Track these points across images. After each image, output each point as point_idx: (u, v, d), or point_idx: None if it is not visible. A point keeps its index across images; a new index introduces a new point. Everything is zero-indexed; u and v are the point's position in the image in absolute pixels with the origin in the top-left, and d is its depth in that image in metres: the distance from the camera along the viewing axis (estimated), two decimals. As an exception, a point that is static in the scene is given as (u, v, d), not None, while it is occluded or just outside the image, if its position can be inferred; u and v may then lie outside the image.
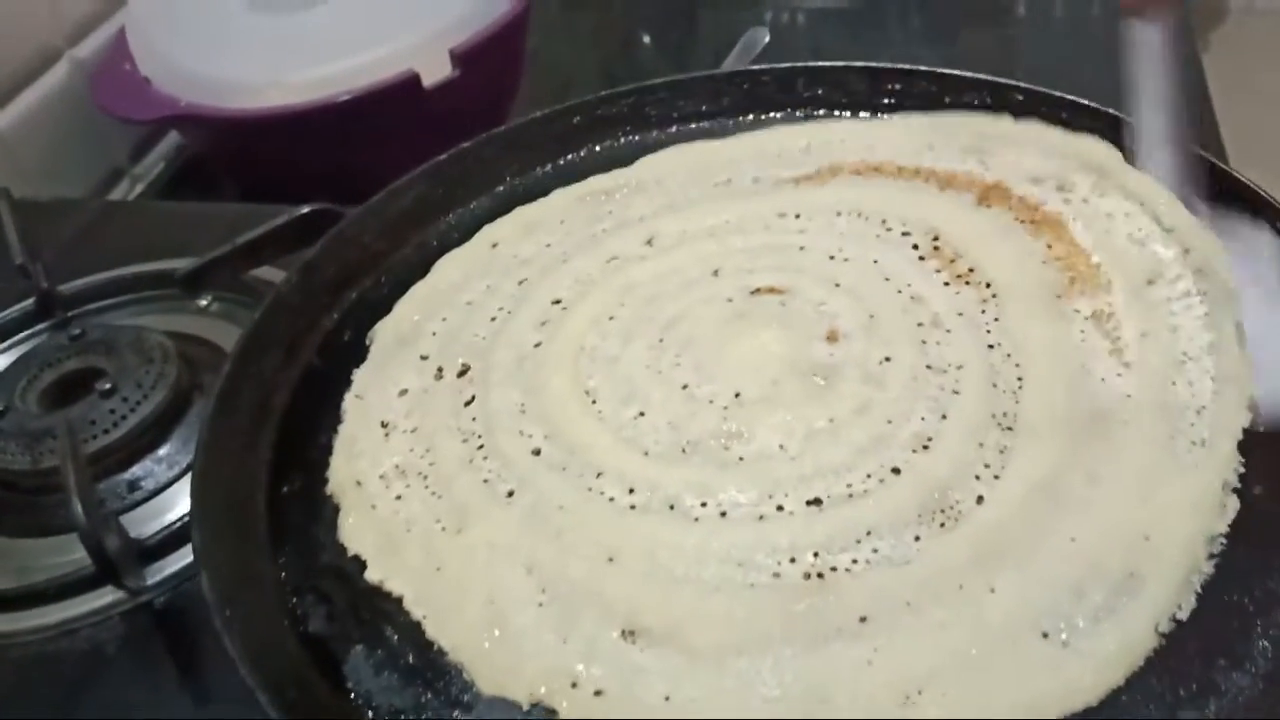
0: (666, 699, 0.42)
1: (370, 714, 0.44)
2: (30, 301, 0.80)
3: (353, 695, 0.44)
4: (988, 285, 0.55)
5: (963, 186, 0.61)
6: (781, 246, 0.60)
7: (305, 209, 0.70)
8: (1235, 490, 0.46)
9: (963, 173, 0.62)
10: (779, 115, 0.72)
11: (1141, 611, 0.42)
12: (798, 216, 0.62)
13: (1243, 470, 0.46)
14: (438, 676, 0.44)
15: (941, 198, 0.60)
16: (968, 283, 0.56)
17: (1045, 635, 0.42)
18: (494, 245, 0.65)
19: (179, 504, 0.64)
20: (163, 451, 0.67)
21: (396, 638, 0.46)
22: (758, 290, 0.57)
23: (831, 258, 0.59)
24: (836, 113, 0.71)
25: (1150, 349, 0.51)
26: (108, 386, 0.68)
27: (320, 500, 0.52)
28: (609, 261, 0.62)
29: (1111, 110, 0.63)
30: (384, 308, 0.63)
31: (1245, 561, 0.44)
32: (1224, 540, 0.44)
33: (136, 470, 0.66)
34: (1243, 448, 0.47)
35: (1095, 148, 0.60)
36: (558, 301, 0.60)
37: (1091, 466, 0.47)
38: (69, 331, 0.74)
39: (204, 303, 0.79)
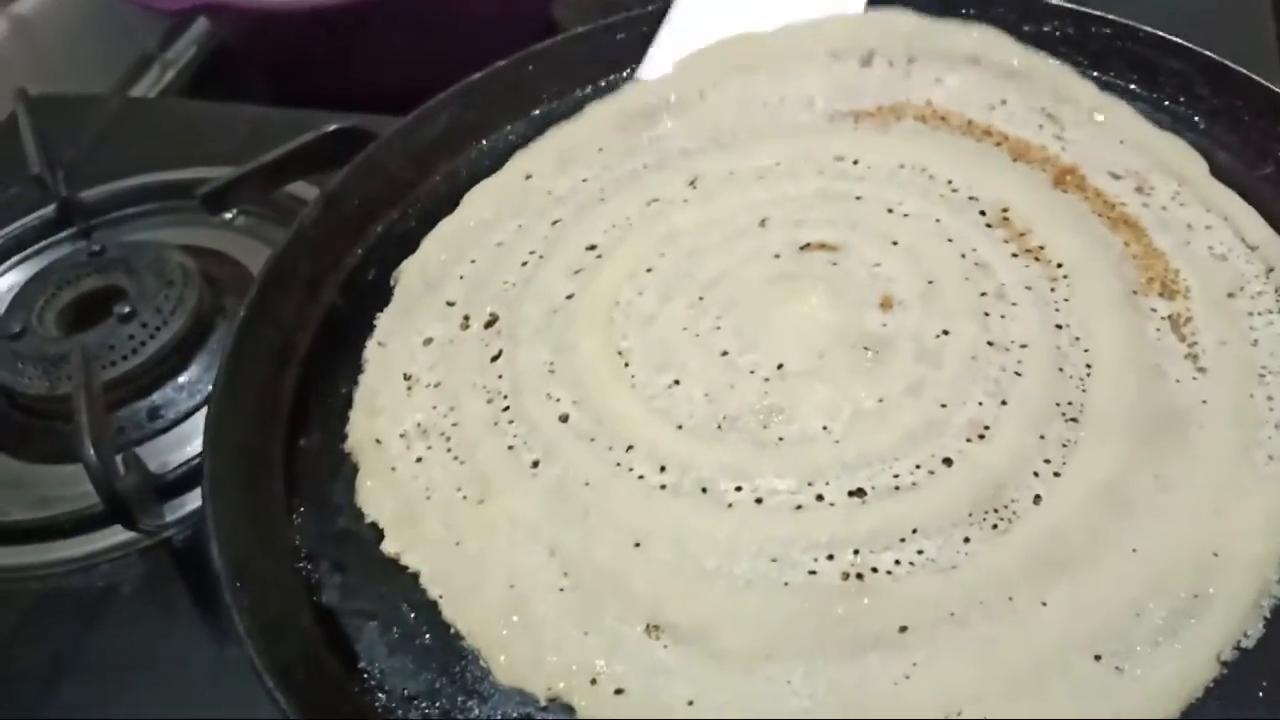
0: (690, 703, 0.40)
1: (382, 697, 0.42)
2: (50, 209, 0.78)
3: (365, 676, 0.43)
4: (1059, 265, 0.51)
5: (1037, 162, 0.56)
6: (836, 195, 0.56)
7: (332, 127, 0.67)
8: (1314, 508, 0.42)
9: (1037, 145, 0.57)
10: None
11: (1204, 637, 0.39)
12: (855, 163, 0.58)
13: (1323, 487, 0.43)
14: (454, 661, 0.42)
15: (1014, 170, 0.56)
16: (1037, 259, 0.51)
17: (1098, 658, 0.39)
18: (527, 177, 0.61)
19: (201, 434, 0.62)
20: (184, 379, 0.65)
21: (413, 616, 0.44)
22: (807, 245, 0.54)
23: (890, 211, 0.55)
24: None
25: (1228, 358, 0.47)
26: (127, 310, 0.66)
27: (338, 458, 0.50)
28: (649, 204, 0.57)
29: (1204, 51, 0.58)
30: (411, 243, 0.59)
31: (1322, 586, 0.40)
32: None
33: (156, 398, 0.65)
34: (1323, 464, 0.43)
35: (1180, 152, 0.56)
36: (593, 248, 0.56)
37: (1161, 470, 0.43)
38: (88, 247, 0.72)
39: (229, 216, 0.76)
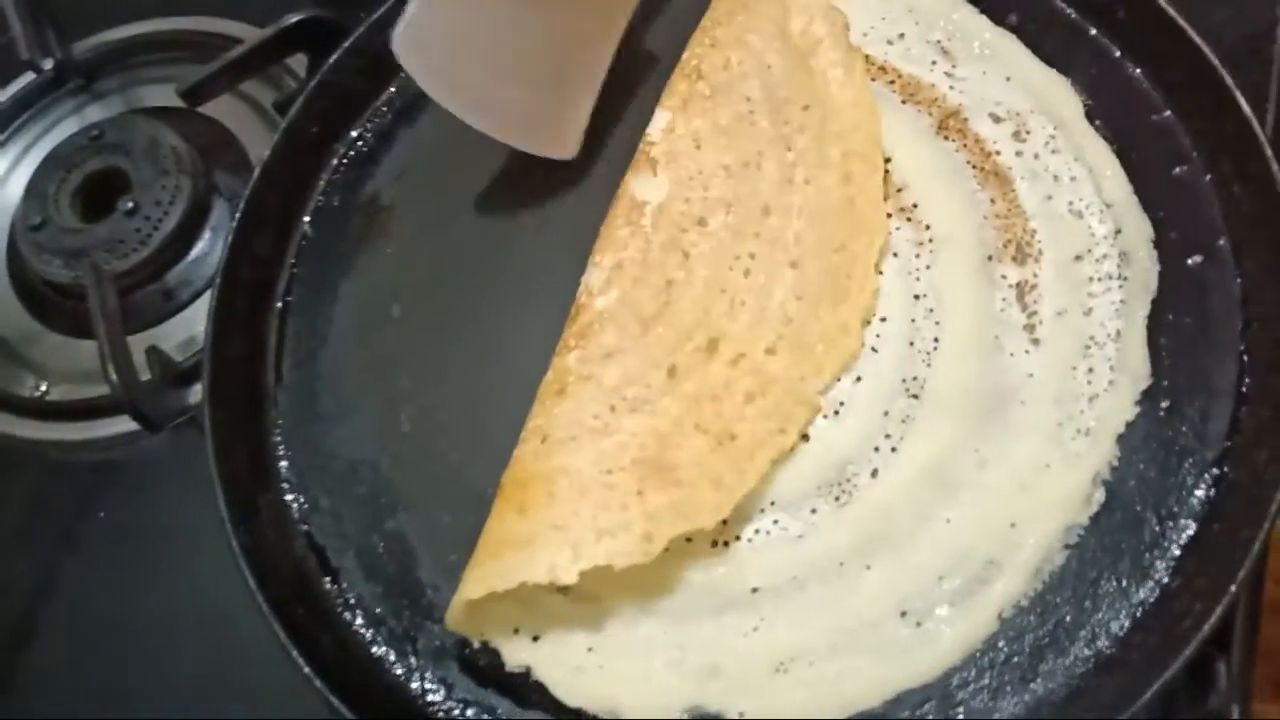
0: (589, 650, 0.51)
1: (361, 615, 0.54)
2: (46, 68, 0.82)
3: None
4: (928, 227, 0.56)
5: (925, 103, 0.59)
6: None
7: (292, 19, 0.71)
8: (1104, 482, 0.51)
9: (928, 84, 0.59)
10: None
11: (991, 598, 0.49)
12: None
13: (1116, 464, 0.51)
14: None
15: (902, 113, 0.59)
16: (909, 218, 0.56)
17: (904, 615, 0.50)
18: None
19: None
20: (193, 254, 0.74)
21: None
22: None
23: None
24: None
25: (1062, 330, 0.53)
26: (130, 206, 0.73)
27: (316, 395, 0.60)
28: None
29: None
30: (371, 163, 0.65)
31: (1095, 553, 0.50)
32: (1082, 531, 0.50)
33: (169, 279, 0.74)
34: (1121, 441, 0.51)
35: (1060, 93, 0.58)
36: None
37: (983, 448, 0.52)
38: (89, 131, 0.77)
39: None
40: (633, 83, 0.64)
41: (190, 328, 0.72)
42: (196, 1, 0.85)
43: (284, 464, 0.58)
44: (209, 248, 0.74)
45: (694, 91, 0.59)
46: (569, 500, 0.49)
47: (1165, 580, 0.49)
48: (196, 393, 0.68)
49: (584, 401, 0.52)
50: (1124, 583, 0.49)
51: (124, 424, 0.68)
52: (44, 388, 0.72)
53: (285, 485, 0.58)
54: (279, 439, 0.59)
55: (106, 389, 0.64)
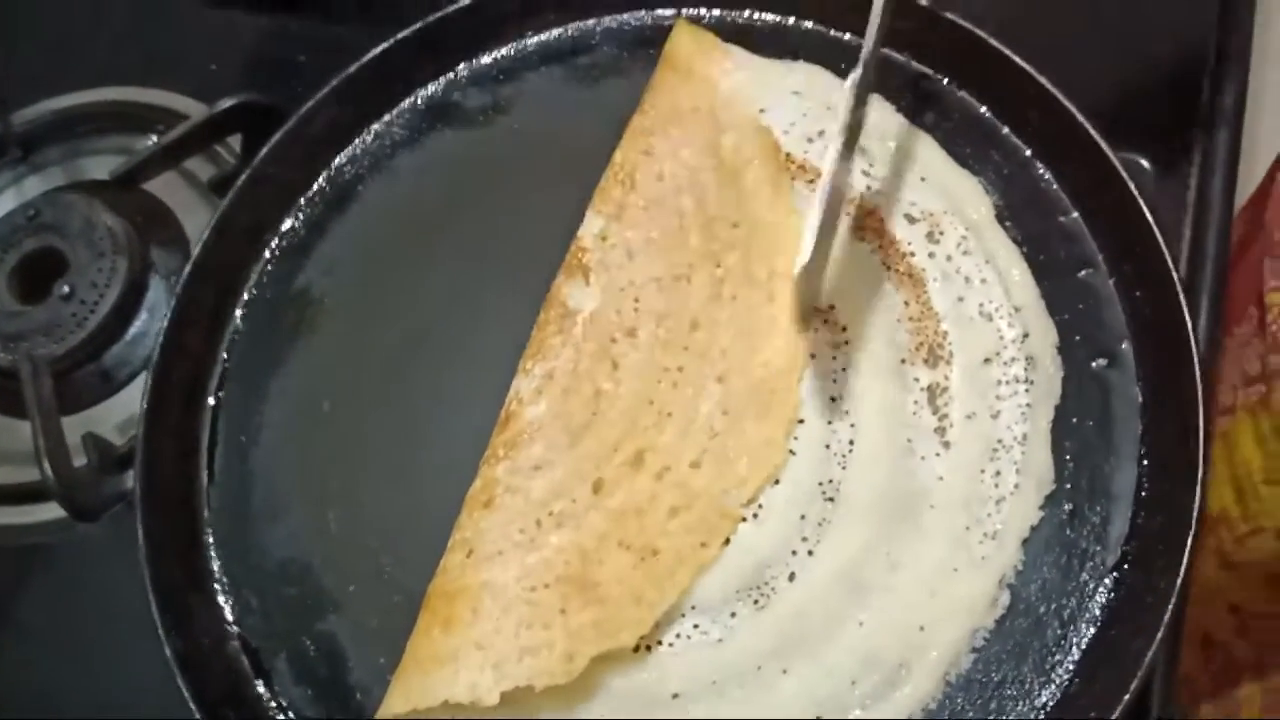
0: (512, 754, 0.52)
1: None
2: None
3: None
4: (844, 329, 0.58)
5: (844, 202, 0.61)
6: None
7: (228, 102, 0.72)
8: (1009, 585, 0.53)
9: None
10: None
11: (901, 701, 0.51)
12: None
13: (1021, 568, 0.53)
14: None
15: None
16: (826, 320, 0.58)
17: (818, 720, 0.51)
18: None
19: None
20: (130, 333, 0.74)
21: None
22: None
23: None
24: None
25: (971, 433, 0.55)
26: (66, 290, 0.73)
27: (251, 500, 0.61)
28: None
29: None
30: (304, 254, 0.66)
31: (1000, 656, 0.52)
32: (987, 634, 0.52)
33: (106, 360, 0.73)
34: (1026, 544, 0.53)
35: (973, 193, 0.60)
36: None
37: (895, 552, 0.53)
38: (25, 210, 0.77)
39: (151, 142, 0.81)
40: (555, 174, 0.65)
41: (128, 408, 0.72)
42: (131, 72, 0.85)
43: (216, 564, 0.59)
44: (145, 327, 0.74)
45: (628, 201, 0.61)
46: (492, 618, 0.50)
47: (1067, 683, 0.51)
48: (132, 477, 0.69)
49: (511, 515, 0.53)
50: (1027, 685, 0.51)
51: (59, 509, 0.68)
52: (-24, 469, 0.73)
53: (217, 586, 0.58)
54: (210, 539, 0.60)
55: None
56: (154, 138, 0.82)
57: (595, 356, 0.58)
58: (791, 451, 0.56)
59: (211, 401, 0.63)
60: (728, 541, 0.54)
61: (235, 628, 0.57)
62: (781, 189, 0.61)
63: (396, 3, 0.85)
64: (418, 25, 0.68)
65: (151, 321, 0.74)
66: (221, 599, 0.58)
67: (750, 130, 0.62)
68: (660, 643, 0.53)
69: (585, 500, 0.53)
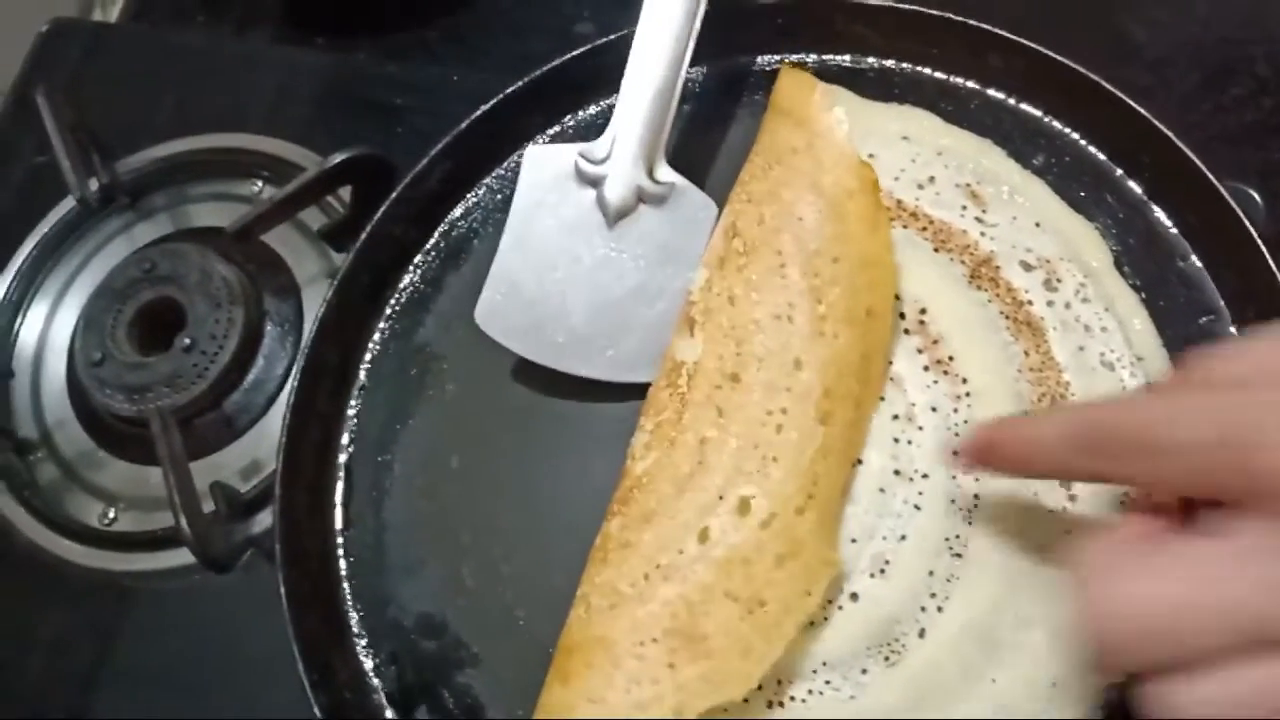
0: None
1: None
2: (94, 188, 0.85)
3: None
4: (964, 380, 0.58)
5: (957, 250, 0.61)
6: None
7: (340, 157, 0.74)
8: (1143, 640, 0.53)
9: (959, 230, 0.61)
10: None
11: (1040, 758, 0.52)
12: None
13: (1153, 620, 0.53)
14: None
15: (935, 262, 0.61)
16: (946, 371, 0.59)
17: (955, 777, 0.52)
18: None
19: (273, 431, 0.72)
20: (248, 381, 0.77)
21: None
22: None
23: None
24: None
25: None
26: (187, 343, 0.76)
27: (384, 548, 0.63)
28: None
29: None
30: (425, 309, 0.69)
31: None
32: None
33: (227, 408, 0.77)
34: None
35: (1089, 239, 0.59)
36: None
37: (1024, 608, 0.54)
38: (140, 263, 0.80)
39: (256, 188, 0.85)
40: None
41: (251, 452, 0.75)
42: (226, 118, 0.87)
43: (354, 618, 0.61)
44: (262, 375, 0.77)
45: (730, 249, 0.61)
46: (604, 672, 0.52)
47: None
48: (260, 523, 0.72)
49: (623, 570, 0.55)
50: (1161, 741, 0.52)
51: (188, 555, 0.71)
52: (112, 514, 0.76)
53: (358, 641, 0.61)
54: (348, 594, 0.62)
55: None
56: (258, 183, 0.85)
57: (700, 405, 0.58)
58: (916, 506, 0.57)
59: (343, 458, 0.65)
60: (855, 596, 0.55)
61: (376, 679, 0.60)
62: (880, 225, 0.61)
63: (485, 41, 0.88)
64: (528, 79, 0.70)
65: (268, 368, 0.77)
66: (362, 653, 0.61)
67: (851, 164, 0.62)
68: (793, 698, 0.54)
69: (692, 551, 0.55)
